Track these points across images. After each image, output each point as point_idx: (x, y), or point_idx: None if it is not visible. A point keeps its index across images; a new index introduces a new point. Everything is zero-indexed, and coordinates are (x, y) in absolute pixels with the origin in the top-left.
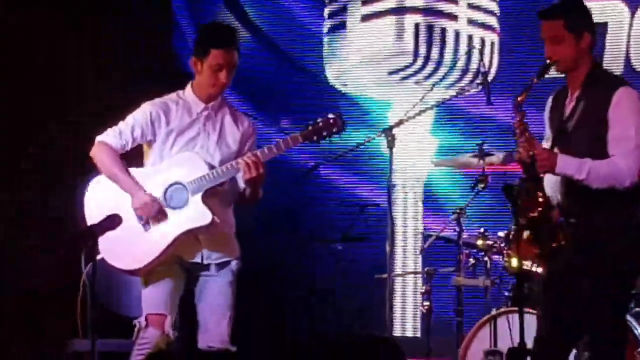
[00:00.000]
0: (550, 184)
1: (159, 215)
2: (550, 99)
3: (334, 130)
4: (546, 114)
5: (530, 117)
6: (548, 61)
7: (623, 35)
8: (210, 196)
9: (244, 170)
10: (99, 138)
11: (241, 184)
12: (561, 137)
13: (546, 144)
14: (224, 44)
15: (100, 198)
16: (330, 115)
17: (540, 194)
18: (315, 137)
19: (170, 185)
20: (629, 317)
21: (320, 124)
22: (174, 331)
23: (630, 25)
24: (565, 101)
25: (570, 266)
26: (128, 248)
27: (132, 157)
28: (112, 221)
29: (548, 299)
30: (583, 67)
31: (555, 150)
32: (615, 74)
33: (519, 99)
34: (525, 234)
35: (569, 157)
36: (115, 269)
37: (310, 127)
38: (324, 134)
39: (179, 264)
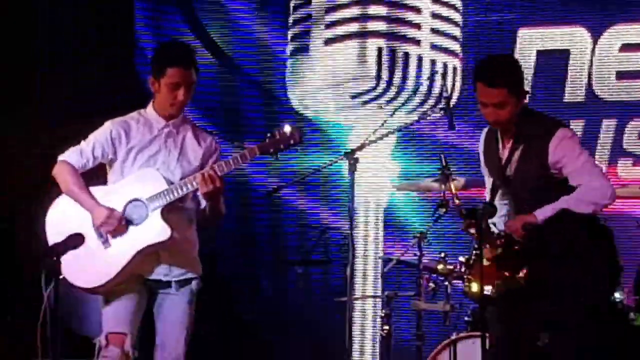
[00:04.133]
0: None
1: (120, 229)
2: (482, 138)
3: (291, 142)
4: (481, 151)
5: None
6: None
7: (585, 62)
8: (170, 212)
9: (200, 184)
10: (60, 157)
11: (203, 202)
12: (502, 183)
13: (488, 181)
14: (181, 62)
15: (61, 217)
16: (287, 128)
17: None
18: (272, 150)
19: (130, 201)
20: None
21: (278, 136)
22: (134, 350)
23: (592, 52)
24: (497, 147)
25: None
26: (88, 266)
27: (99, 175)
28: (74, 240)
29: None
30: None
31: (499, 193)
32: (546, 114)
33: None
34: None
35: (543, 208)
36: (75, 287)
37: (267, 140)
38: (282, 146)
39: (140, 282)
